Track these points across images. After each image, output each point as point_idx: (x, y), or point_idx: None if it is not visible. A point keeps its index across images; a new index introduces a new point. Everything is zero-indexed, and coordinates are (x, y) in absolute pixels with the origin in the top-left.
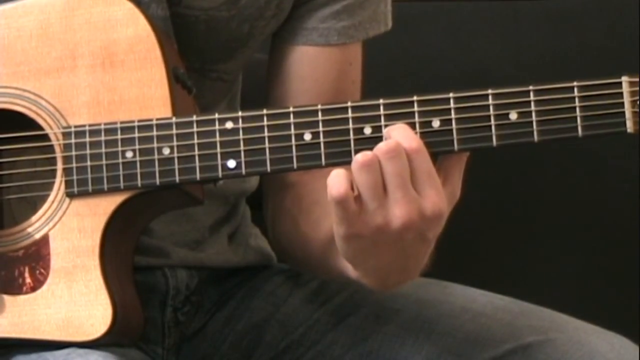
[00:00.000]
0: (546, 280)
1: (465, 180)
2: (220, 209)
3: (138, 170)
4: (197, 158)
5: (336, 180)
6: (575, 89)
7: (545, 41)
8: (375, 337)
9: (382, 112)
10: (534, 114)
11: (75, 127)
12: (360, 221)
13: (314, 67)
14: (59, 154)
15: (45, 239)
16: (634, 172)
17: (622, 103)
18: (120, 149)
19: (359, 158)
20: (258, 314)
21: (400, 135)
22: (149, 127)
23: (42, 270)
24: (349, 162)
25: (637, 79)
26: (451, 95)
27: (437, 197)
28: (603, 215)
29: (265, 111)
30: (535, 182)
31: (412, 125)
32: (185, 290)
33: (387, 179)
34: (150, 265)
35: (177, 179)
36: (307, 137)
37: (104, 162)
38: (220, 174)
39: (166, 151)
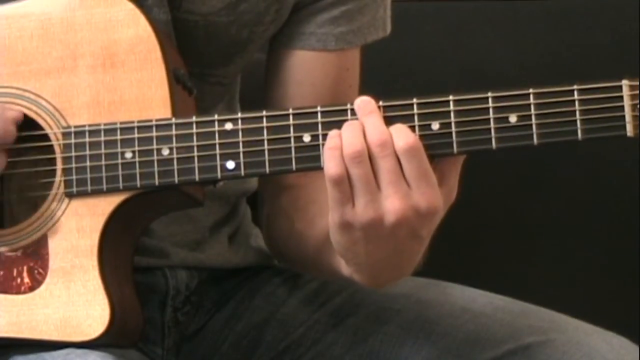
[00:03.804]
0: (546, 280)
1: (465, 180)
2: (220, 209)
3: (137, 171)
4: (196, 159)
5: (333, 162)
6: (575, 92)
7: (545, 41)
8: (375, 337)
9: (381, 114)
10: (533, 117)
11: (75, 127)
12: (354, 212)
13: (311, 71)
14: (58, 154)
15: (43, 239)
16: (634, 172)
17: (622, 106)
18: (119, 149)
19: (349, 150)
20: (258, 314)
21: (395, 132)
22: (148, 128)
23: (41, 270)
24: None
25: (637, 83)
26: (451, 97)
27: (433, 193)
28: (603, 215)
29: (264, 113)
30: (535, 182)
31: (412, 128)
32: (185, 291)
33: (379, 174)
34: (150, 266)
35: (176, 179)
36: (307, 139)
37: (103, 162)
38: (219, 175)
39: (165, 152)
